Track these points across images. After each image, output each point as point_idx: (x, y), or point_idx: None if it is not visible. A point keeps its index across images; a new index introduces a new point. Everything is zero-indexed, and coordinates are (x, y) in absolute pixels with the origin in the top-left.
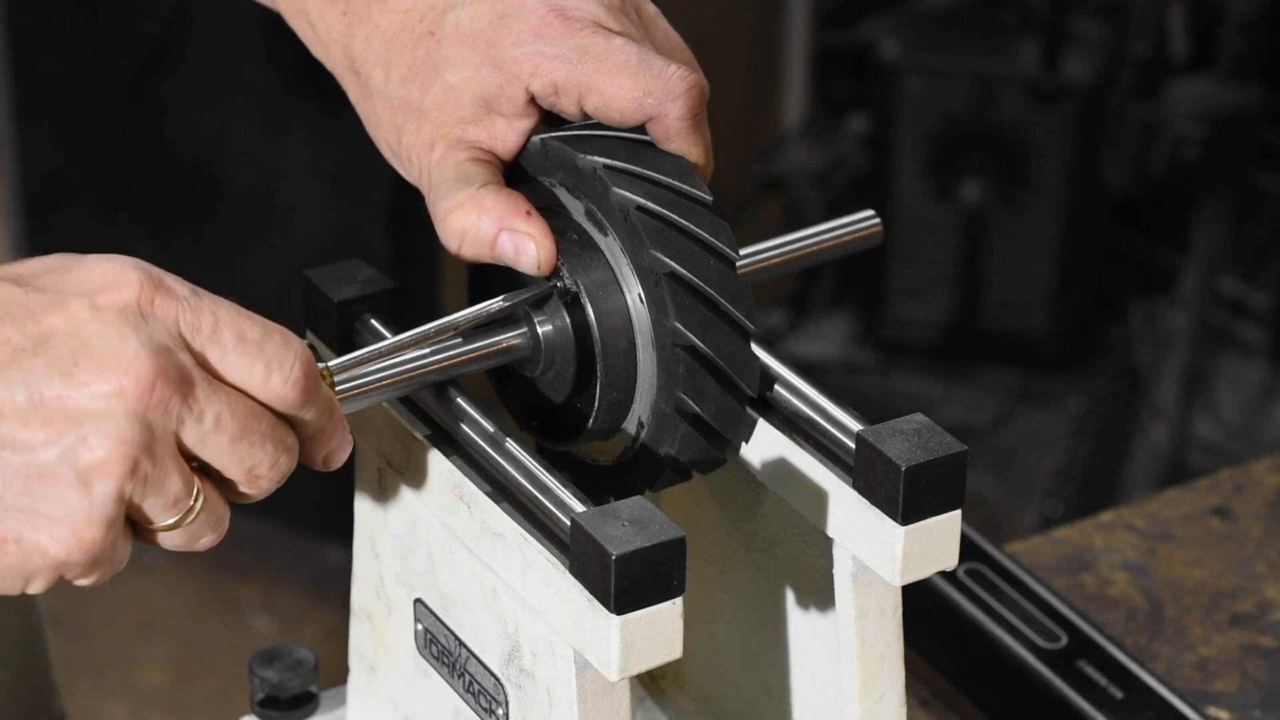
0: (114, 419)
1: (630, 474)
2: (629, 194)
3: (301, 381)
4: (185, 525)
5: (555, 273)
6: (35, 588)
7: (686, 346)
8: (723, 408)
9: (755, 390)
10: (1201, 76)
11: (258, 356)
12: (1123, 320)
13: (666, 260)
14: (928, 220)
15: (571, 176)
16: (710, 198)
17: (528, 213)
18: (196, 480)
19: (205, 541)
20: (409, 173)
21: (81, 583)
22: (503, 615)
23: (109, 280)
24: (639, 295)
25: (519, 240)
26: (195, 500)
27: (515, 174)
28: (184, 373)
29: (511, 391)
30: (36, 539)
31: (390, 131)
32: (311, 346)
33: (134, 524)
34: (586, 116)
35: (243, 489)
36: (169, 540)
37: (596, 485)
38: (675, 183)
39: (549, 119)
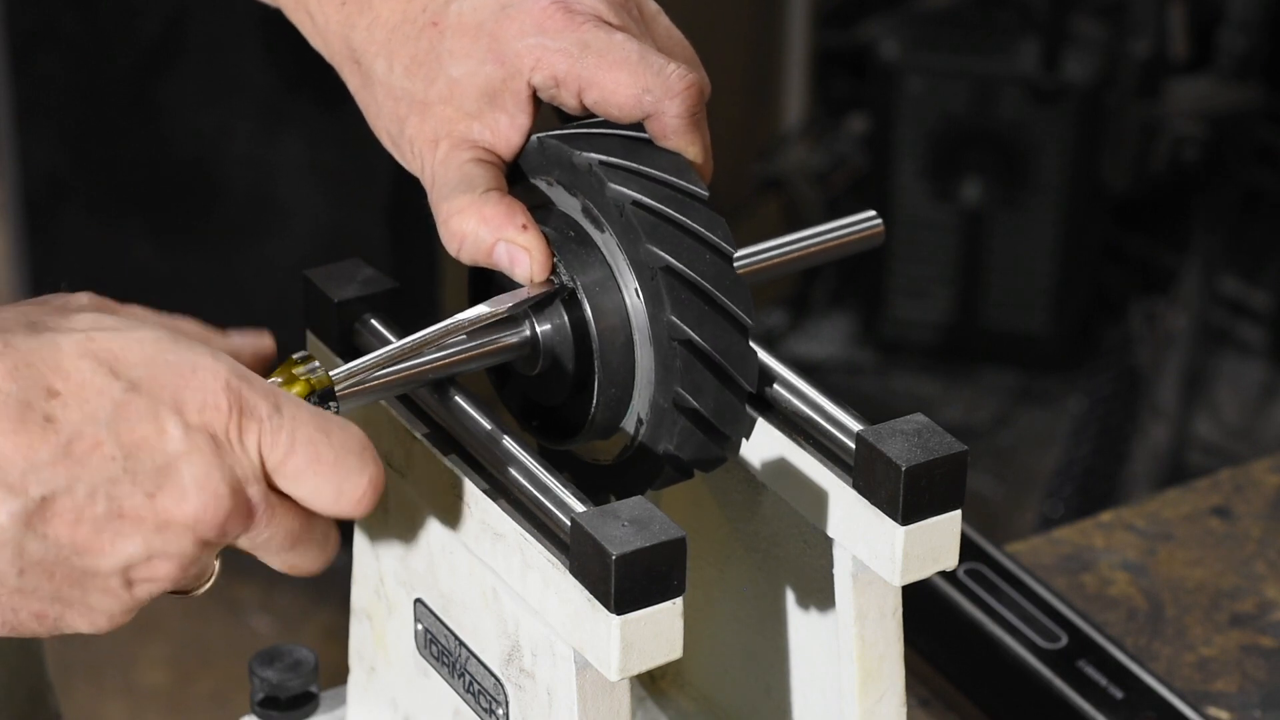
0: (181, 546)
1: (630, 472)
2: (624, 189)
3: (369, 503)
4: (191, 593)
5: (552, 270)
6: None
7: (683, 341)
8: (721, 403)
9: (754, 385)
10: (1201, 76)
11: (330, 479)
12: (1123, 320)
13: (662, 254)
14: (928, 220)
15: (568, 174)
16: (706, 193)
17: (524, 225)
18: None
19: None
20: (409, 163)
21: None
22: (503, 615)
23: (202, 397)
24: (635, 290)
25: (514, 251)
26: (207, 581)
27: (514, 173)
28: (253, 506)
29: (510, 390)
30: (72, 620)
31: (392, 122)
32: (309, 356)
33: None
34: (586, 111)
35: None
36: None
37: (597, 485)
38: (671, 178)
39: (556, 114)
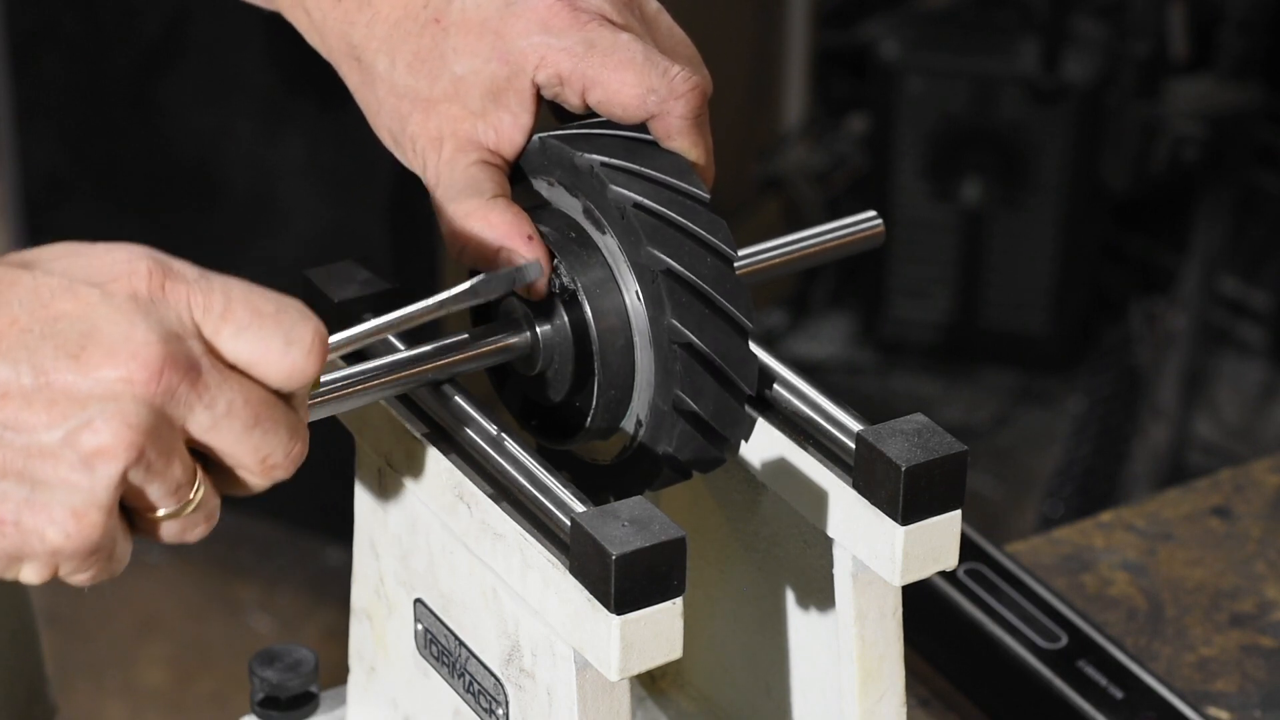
0: (120, 403)
1: (629, 473)
2: (626, 191)
3: (320, 351)
4: (183, 515)
5: (553, 271)
6: (29, 574)
7: (683, 344)
8: (720, 405)
9: (753, 388)
10: (1201, 76)
11: (275, 329)
12: (1123, 320)
13: (663, 257)
14: (928, 220)
15: (569, 175)
16: (708, 195)
17: (529, 236)
18: (198, 469)
19: (198, 532)
20: (411, 162)
21: (77, 579)
22: (503, 615)
23: (119, 268)
24: (636, 293)
25: (515, 260)
26: (195, 491)
27: (515, 173)
28: (193, 360)
29: (510, 390)
30: (35, 521)
31: (394, 120)
32: None
33: (131, 517)
34: (588, 110)
35: (254, 479)
36: (165, 531)
37: (596, 484)
38: (672, 180)
39: (555, 113)
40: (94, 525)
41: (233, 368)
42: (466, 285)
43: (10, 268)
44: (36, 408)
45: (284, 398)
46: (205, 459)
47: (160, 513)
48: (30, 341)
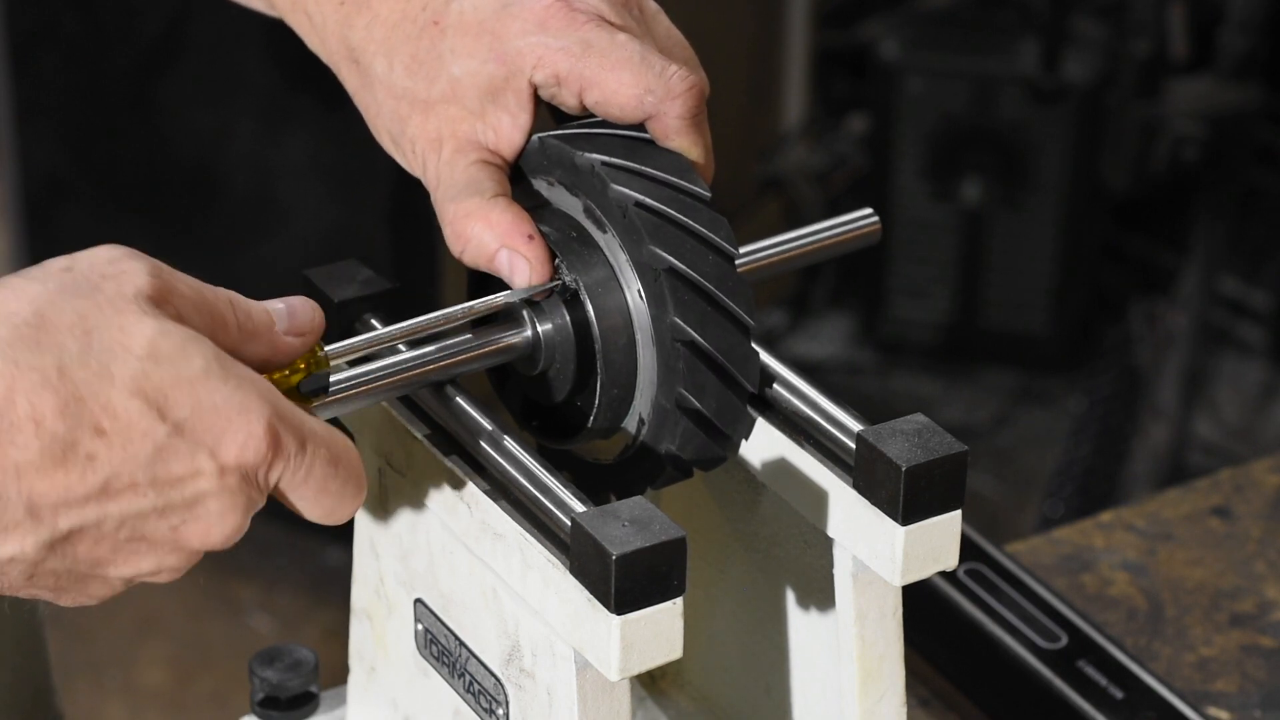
0: (188, 563)
1: (631, 472)
2: (627, 190)
3: (350, 514)
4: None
5: (554, 271)
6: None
7: (686, 342)
8: (723, 403)
9: (755, 385)
10: (1201, 76)
11: (324, 506)
12: (1123, 320)
13: (665, 256)
14: (928, 220)
15: (570, 174)
16: (708, 194)
17: (529, 236)
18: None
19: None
20: (410, 164)
21: None
22: (503, 615)
23: (237, 435)
24: (638, 291)
25: (515, 260)
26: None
27: (515, 173)
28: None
29: (510, 390)
30: (60, 601)
31: (393, 122)
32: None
33: None
34: (585, 110)
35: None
36: None
37: (597, 484)
38: (673, 179)
39: (553, 113)
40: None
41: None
42: (496, 299)
43: (147, 412)
44: (120, 556)
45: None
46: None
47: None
48: (141, 507)
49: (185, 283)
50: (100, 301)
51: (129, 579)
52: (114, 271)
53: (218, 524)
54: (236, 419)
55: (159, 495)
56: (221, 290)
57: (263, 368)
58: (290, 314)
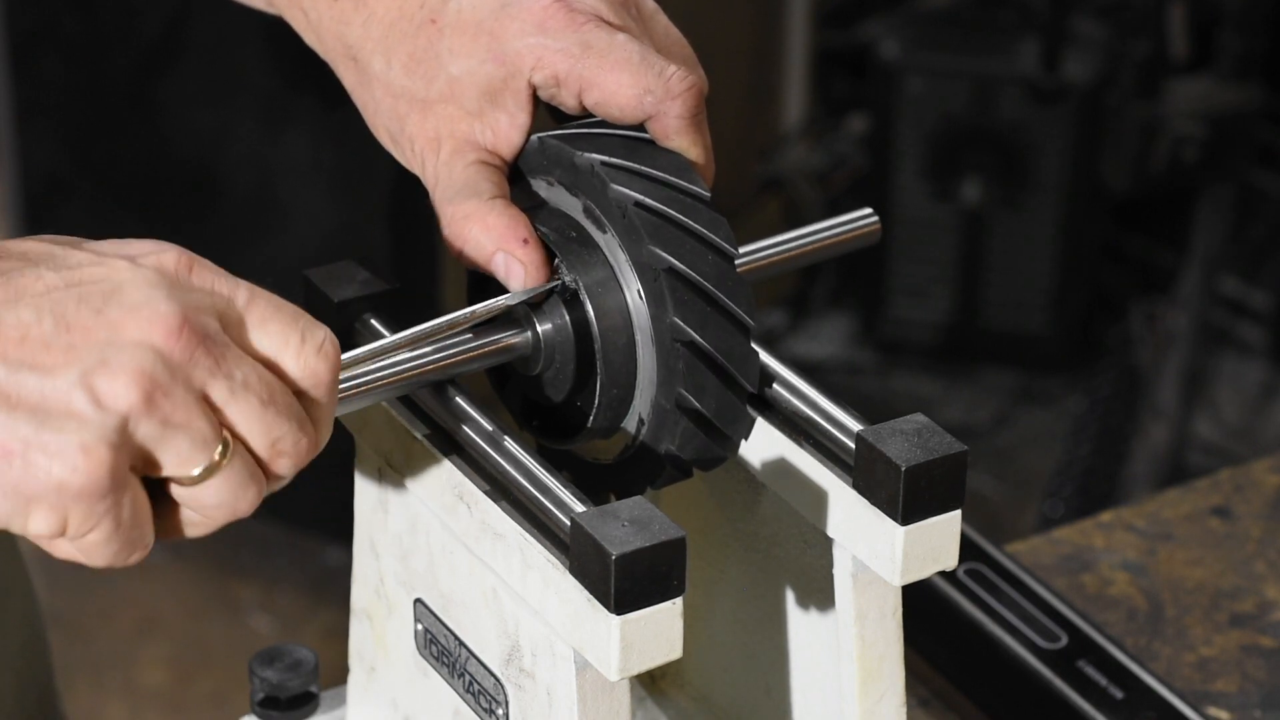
0: (137, 350)
1: (631, 472)
2: (626, 190)
3: (333, 356)
4: (222, 471)
5: (554, 271)
6: (38, 521)
7: (686, 342)
8: (723, 403)
9: (755, 386)
10: (1201, 76)
11: (293, 326)
12: (1123, 320)
13: (665, 255)
14: (928, 220)
15: (569, 174)
16: (708, 193)
17: (525, 239)
18: (226, 431)
19: (250, 495)
20: (409, 162)
21: (92, 541)
22: (503, 615)
23: (148, 247)
24: (638, 291)
25: (511, 264)
26: (224, 453)
27: (514, 173)
28: (212, 333)
29: (510, 390)
30: (43, 454)
31: (391, 120)
32: None
33: (167, 494)
34: (585, 110)
35: (265, 466)
36: (209, 497)
37: (597, 484)
38: (673, 179)
39: (552, 114)
40: (101, 462)
41: (253, 353)
42: (497, 303)
43: (41, 240)
44: (54, 351)
45: (298, 395)
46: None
47: (194, 473)
48: (56, 296)
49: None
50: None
51: (80, 377)
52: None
53: (144, 303)
54: (143, 241)
55: (69, 286)
56: None
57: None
58: None
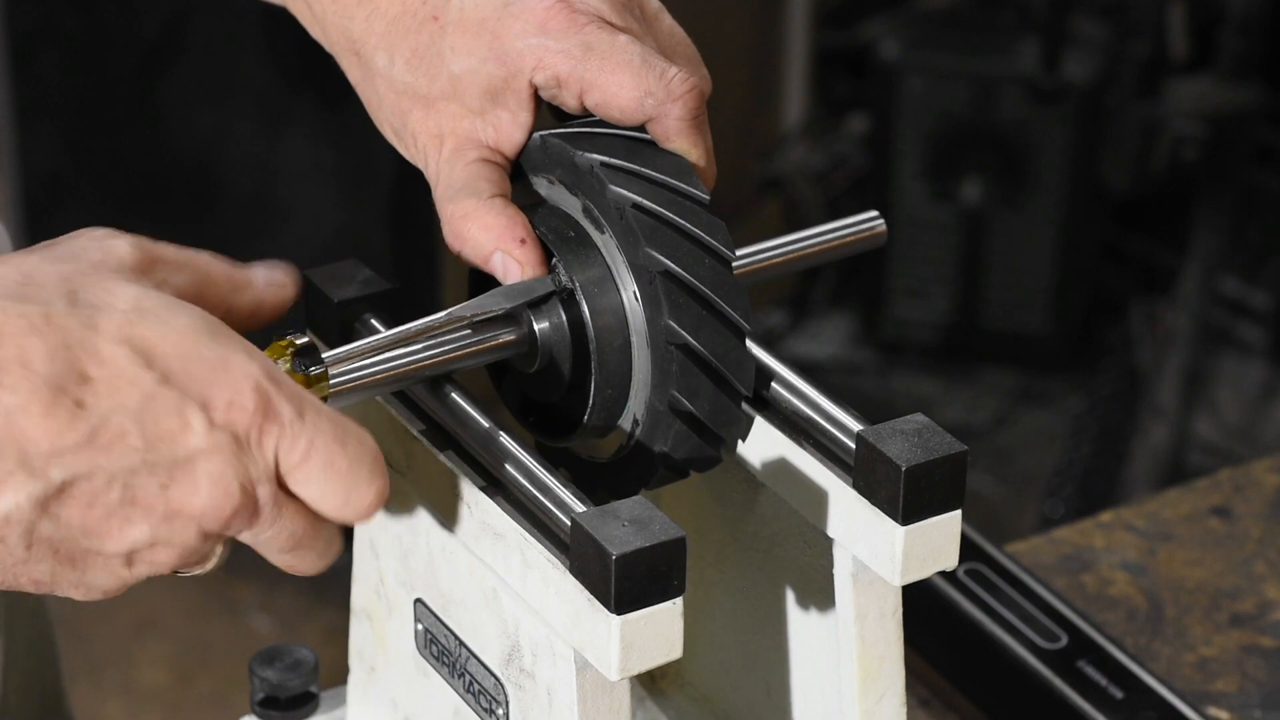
0: (185, 537)
1: (626, 471)
2: (625, 192)
3: (373, 511)
4: (191, 573)
5: (551, 270)
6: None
7: (680, 345)
8: (717, 406)
9: (750, 389)
10: (1201, 76)
11: (339, 487)
12: (1123, 320)
13: (661, 258)
14: (928, 220)
15: (570, 174)
16: (707, 196)
17: (522, 240)
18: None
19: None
20: (412, 156)
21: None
22: (503, 615)
23: (230, 396)
24: (634, 293)
25: (508, 263)
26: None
27: (515, 171)
28: (259, 506)
29: (508, 386)
30: (61, 588)
31: (394, 115)
32: (312, 345)
33: None
34: (586, 111)
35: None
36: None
37: (593, 482)
38: (672, 181)
39: (553, 112)
40: (112, 594)
41: (292, 496)
42: (479, 300)
43: (133, 359)
44: (114, 522)
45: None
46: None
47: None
48: (131, 461)
49: (167, 247)
50: (84, 268)
51: (126, 554)
52: (97, 246)
53: (207, 486)
54: (223, 373)
55: (148, 448)
56: (202, 252)
57: (253, 316)
58: (269, 267)
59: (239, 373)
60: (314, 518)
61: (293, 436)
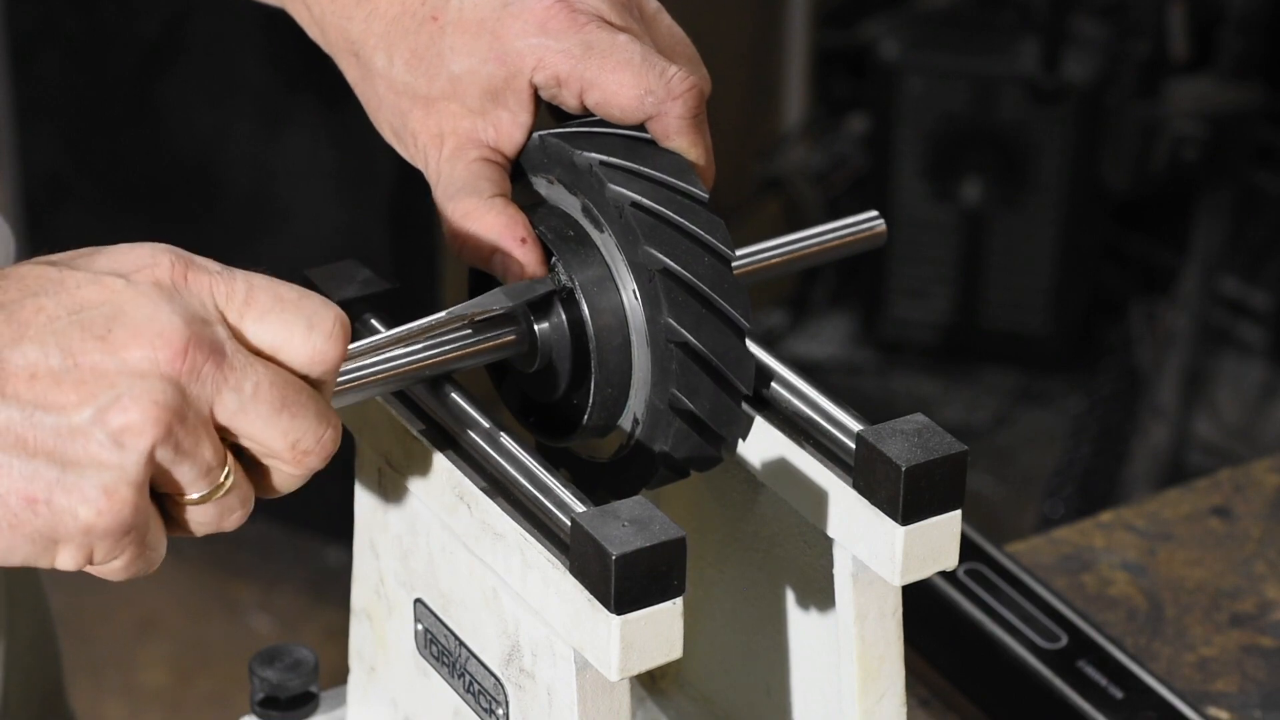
0: (147, 380)
1: (626, 471)
2: (624, 190)
3: (342, 337)
4: (215, 499)
5: (551, 270)
6: (65, 559)
7: (680, 343)
8: (717, 405)
9: (750, 388)
10: (1201, 76)
11: (297, 313)
12: (1123, 320)
13: (660, 257)
14: (928, 220)
15: (569, 173)
16: (706, 195)
17: (523, 239)
18: (227, 452)
19: (233, 519)
20: (412, 157)
21: (113, 566)
22: (503, 615)
23: (142, 260)
24: (634, 292)
25: (508, 263)
26: (226, 476)
27: (515, 171)
28: (217, 342)
29: (508, 386)
30: (67, 499)
31: (394, 115)
32: None
33: (164, 506)
34: (586, 110)
35: (287, 469)
36: (198, 517)
37: (593, 482)
38: (671, 180)
39: (552, 112)
40: (125, 502)
41: (258, 353)
42: (480, 300)
43: (36, 265)
44: (65, 388)
45: (310, 384)
46: (239, 452)
47: (193, 496)
48: (58, 327)
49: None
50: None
51: (97, 416)
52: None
53: (146, 324)
54: (130, 251)
55: (71, 314)
56: None
57: None
58: None
59: (148, 248)
60: (291, 373)
61: (227, 280)
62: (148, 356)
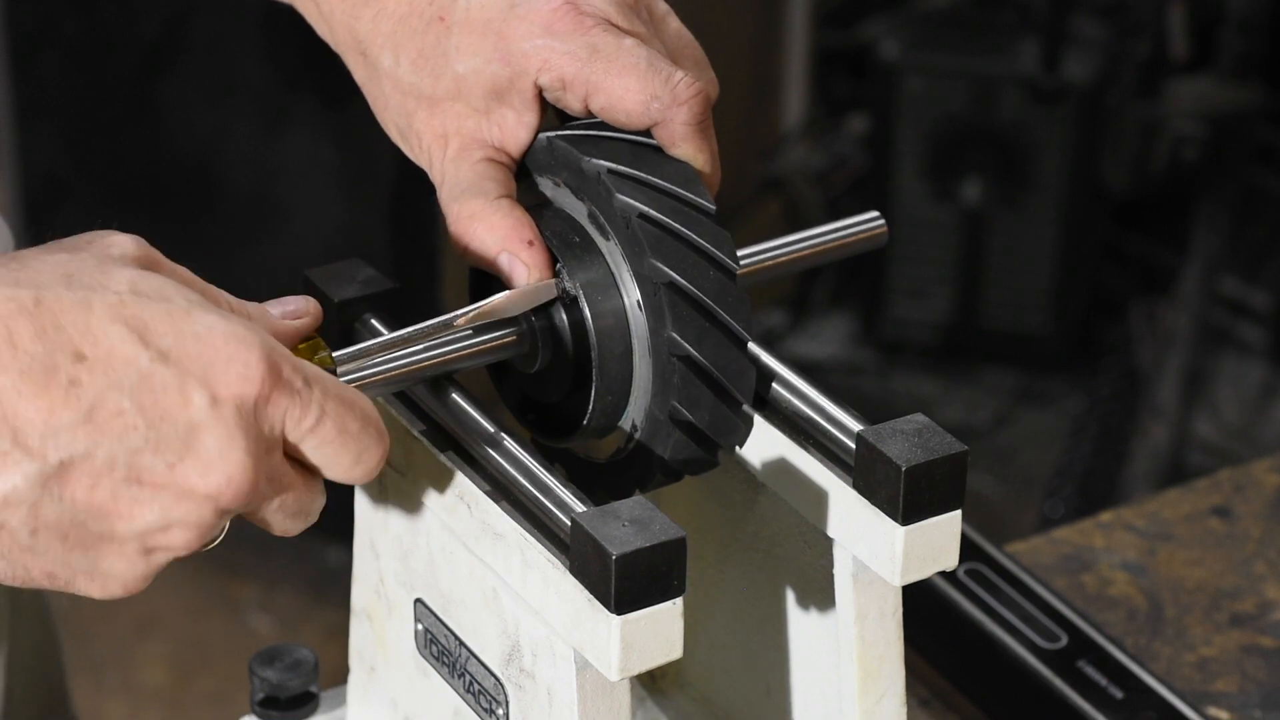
0: (200, 516)
1: (623, 474)
2: (631, 201)
3: (378, 467)
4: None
5: (554, 275)
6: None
7: (682, 356)
8: (717, 416)
9: (750, 399)
10: (1201, 76)
11: (351, 449)
12: (1123, 320)
13: (666, 270)
14: (928, 220)
15: (576, 178)
16: (713, 207)
17: (530, 241)
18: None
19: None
20: (417, 157)
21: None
22: (503, 615)
23: (234, 370)
24: (637, 302)
25: (515, 265)
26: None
27: (520, 170)
28: (276, 476)
29: (509, 386)
30: (78, 583)
31: (399, 115)
32: (320, 344)
33: None
34: (590, 113)
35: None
36: None
37: (590, 482)
38: (678, 190)
39: (556, 112)
40: (133, 587)
41: (301, 464)
42: (485, 304)
43: (128, 338)
44: (122, 503)
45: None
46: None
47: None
48: (133, 440)
49: (179, 267)
50: (83, 256)
51: (140, 537)
52: (99, 239)
53: (218, 462)
54: (225, 347)
55: (149, 426)
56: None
57: None
58: (282, 303)
59: (240, 345)
60: (312, 480)
61: (304, 404)
62: (210, 496)
